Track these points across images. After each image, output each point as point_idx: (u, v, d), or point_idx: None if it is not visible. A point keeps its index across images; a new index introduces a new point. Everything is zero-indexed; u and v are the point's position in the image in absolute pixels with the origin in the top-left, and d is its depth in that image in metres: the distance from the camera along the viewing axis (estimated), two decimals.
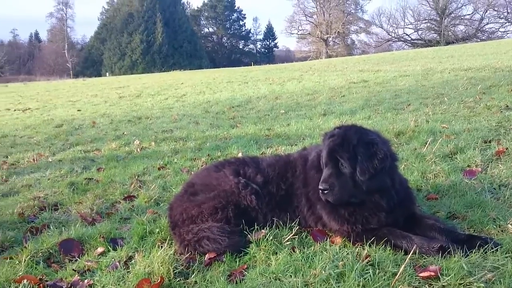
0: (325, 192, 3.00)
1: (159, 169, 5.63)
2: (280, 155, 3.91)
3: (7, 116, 13.98)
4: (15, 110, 15.84)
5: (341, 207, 3.09)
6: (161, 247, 3.22)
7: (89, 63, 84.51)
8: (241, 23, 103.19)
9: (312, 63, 35.40)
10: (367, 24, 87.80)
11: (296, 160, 3.57)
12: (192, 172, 5.25)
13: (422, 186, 4.04)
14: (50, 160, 6.80)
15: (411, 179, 4.11)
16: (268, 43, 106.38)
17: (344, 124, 3.37)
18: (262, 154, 5.90)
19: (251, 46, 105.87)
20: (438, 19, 78.17)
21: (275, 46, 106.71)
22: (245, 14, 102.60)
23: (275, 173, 3.51)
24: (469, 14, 77.91)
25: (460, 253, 2.63)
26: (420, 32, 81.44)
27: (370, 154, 2.94)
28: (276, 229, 3.24)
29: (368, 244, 2.90)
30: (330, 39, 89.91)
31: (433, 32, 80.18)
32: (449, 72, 14.16)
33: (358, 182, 2.96)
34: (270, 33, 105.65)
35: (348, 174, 2.98)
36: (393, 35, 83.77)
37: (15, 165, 6.78)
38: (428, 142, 5.27)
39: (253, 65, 63.97)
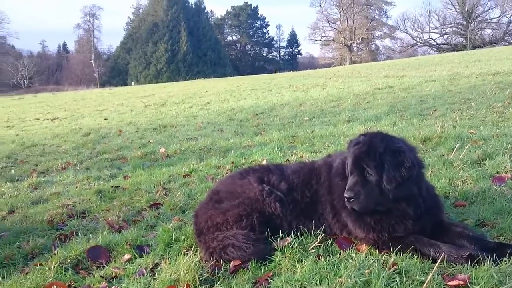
0: (351, 200, 2.97)
1: (184, 176, 5.68)
2: (304, 162, 3.90)
3: (36, 126, 14.33)
4: (44, 120, 16.23)
5: (366, 215, 3.05)
6: (187, 254, 3.24)
7: (115, 72, 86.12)
8: (264, 30, 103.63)
9: (336, 70, 35.22)
10: (392, 29, 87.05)
11: (320, 167, 3.54)
12: (217, 180, 5.28)
13: (449, 193, 3.96)
14: (78, 168, 6.94)
15: (438, 186, 4.04)
16: (291, 50, 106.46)
17: (370, 131, 3.33)
18: (286, 161, 5.89)
19: (275, 53, 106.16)
20: (465, 23, 76.86)
21: (299, 53, 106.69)
22: (268, 22, 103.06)
23: (299, 180, 3.50)
24: (496, 18, 76.38)
25: (490, 262, 2.55)
26: (446, 36, 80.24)
27: (397, 162, 2.89)
28: (301, 236, 3.22)
29: (394, 252, 2.85)
30: (354, 45, 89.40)
31: (459, 36, 78.86)
32: (476, 77, 13.89)
33: (384, 190, 2.92)
34: (293, 40, 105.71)
35: (374, 182, 2.94)
36: (418, 40, 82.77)
37: (45, 173, 6.95)
38: (455, 148, 5.17)
39: (277, 72, 64.05)
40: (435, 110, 8.65)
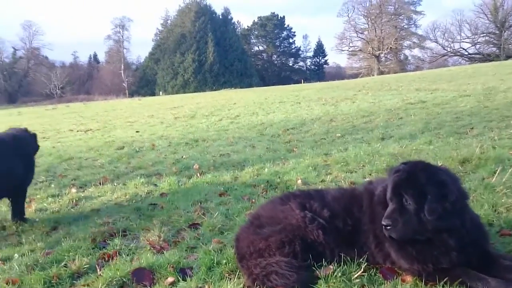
0: (388, 228, 2.97)
1: (220, 195, 5.73)
2: (344, 188, 3.90)
3: (71, 137, 14.67)
4: (77, 131, 16.62)
5: (408, 245, 3.03)
6: (230, 279, 3.29)
7: (144, 82, 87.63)
8: (290, 40, 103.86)
9: (365, 81, 34.93)
10: (421, 39, 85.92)
11: (362, 195, 3.54)
12: (253, 200, 5.32)
13: (493, 221, 3.88)
14: (115, 184, 7.07)
15: (481, 213, 3.97)
16: (318, 60, 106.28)
17: (411, 160, 3.32)
18: (322, 181, 5.89)
19: (301, 63, 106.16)
20: (497, 32, 75.25)
21: (325, 63, 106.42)
22: (294, 32, 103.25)
23: (341, 208, 3.50)
24: None
25: None
26: (478, 46, 78.58)
27: (441, 195, 2.87)
28: (344, 265, 3.21)
29: (441, 284, 2.82)
30: (382, 55, 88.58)
31: (492, 45, 77.19)
32: None
33: (423, 220, 2.90)
34: (320, 50, 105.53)
35: (413, 211, 2.93)
36: (448, 49, 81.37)
37: (83, 188, 7.10)
38: (497, 172, 5.07)
39: (303, 82, 64.02)
40: (472, 128, 8.50)
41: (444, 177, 3.00)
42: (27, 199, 6.44)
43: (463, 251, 2.95)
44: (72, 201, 6.19)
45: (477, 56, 76.67)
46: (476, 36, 78.95)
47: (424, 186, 2.91)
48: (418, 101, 14.11)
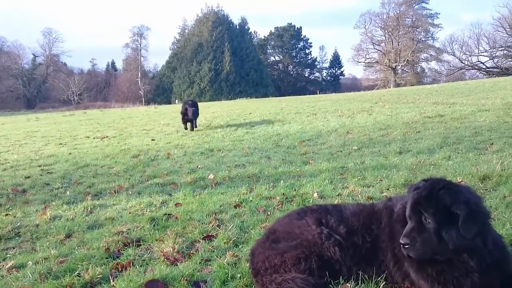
0: (406, 246, 2.90)
1: (235, 207, 5.68)
2: (363, 204, 3.81)
3: (87, 144, 14.78)
4: (94, 138, 16.74)
5: (428, 265, 2.95)
6: None
7: (160, 90, 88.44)
8: (307, 51, 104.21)
9: (381, 93, 34.73)
10: (438, 51, 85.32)
11: (381, 211, 3.47)
12: (268, 213, 5.26)
13: None
14: (130, 193, 7.08)
15: (503, 233, 3.86)
16: (334, 71, 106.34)
17: (432, 177, 3.24)
18: (338, 195, 5.80)
19: (317, 74, 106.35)
20: None
21: (341, 74, 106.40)
22: (311, 43, 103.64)
23: (359, 224, 3.43)
24: None
25: None
26: (496, 60, 77.74)
27: (472, 214, 2.79)
28: (362, 283, 3.14)
29: None
30: (399, 67, 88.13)
31: (510, 59, 76.29)
32: None
33: (443, 239, 2.82)
34: (336, 61, 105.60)
35: (432, 230, 2.85)
36: (466, 63, 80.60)
37: (98, 195, 7.12)
38: None
39: (319, 93, 63.91)
40: (492, 143, 8.33)
41: (468, 196, 2.92)
42: (41, 206, 6.51)
43: (485, 273, 2.85)
44: (87, 209, 6.20)
45: (495, 70, 75.83)
46: (494, 50, 78.11)
47: (450, 205, 2.83)
48: (436, 115, 13.92)
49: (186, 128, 16.86)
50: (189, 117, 16.62)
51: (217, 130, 16.04)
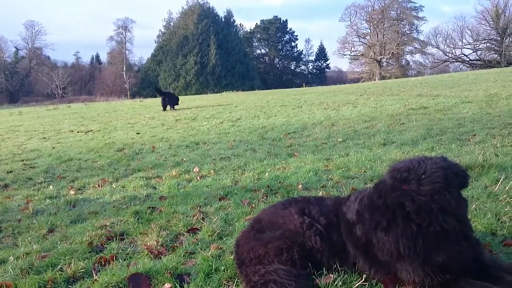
0: None
1: (220, 199, 5.66)
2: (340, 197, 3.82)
3: (71, 138, 14.62)
4: (78, 132, 16.57)
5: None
6: (228, 286, 3.24)
7: (145, 84, 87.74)
8: (293, 44, 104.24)
9: (366, 86, 34.92)
10: (423, 44, 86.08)
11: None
12: (253, 205, 5.26)
13: (497, 230, 3.81)
14: (114, 186, 7.02)
15: (484, 222, 3.92)
16: (320, 64, 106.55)
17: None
18: (322, 187, 5.82)
19: (303, 67, 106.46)
20: (499, 39, 75.37)
21: (327, 67, 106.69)
22: (297, 36, 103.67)
23: (336, 216, 3.43)
24: None
25: None
26: (479, 52, 78.73)
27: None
28: (345, 274, 3.15)
29: None
30: (384, 60, 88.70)
31: (493, 52, 77.33)
32: None
33: None
34: (322, 54, 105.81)
35: None
36: (450, 55, 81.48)
37: (82, 190, 7.05)
38: (500, 180, 5.00)
39: (305, 86, 64.06)
40: (474, 135, 8.44)
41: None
42: (24, 200, 6.42)
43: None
44: (70, 203, 6.13)
45: (478, 62, 76.80)
46: (477, 43, 79.13)
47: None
48: (420, 107, 14.04)
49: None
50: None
51: (202, 123, 15.98)
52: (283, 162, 7.71)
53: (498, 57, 74.57)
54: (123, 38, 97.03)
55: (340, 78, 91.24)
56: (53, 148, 12.16)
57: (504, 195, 4.55)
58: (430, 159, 2.93)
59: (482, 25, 77.88)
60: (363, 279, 3.04)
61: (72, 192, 6.80)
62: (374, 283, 3.07)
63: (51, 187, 7.27)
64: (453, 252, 2.75)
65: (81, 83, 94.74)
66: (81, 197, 6.47)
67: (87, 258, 4.07)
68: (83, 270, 3.77)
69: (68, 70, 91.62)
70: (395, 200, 2.91)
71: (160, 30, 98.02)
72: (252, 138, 11.23)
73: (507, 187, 4.75)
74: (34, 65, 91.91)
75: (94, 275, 3.65)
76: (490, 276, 2.81)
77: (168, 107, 24.53)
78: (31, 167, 9.32)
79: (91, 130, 16.72)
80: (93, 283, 3.49)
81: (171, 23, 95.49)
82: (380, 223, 2.94)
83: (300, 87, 65.14)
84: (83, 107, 39.68)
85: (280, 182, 6.23)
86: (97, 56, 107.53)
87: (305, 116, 15.14)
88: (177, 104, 25.41)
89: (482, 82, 23.85)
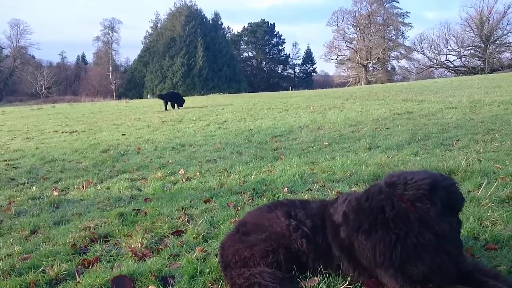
0: None
1: (205, 202, 5.64)
2: (325, 200, 3.85)
3: (55, 138, 14.46)
4: (62, 132, 16.39)
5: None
6: None
7: (132, 85, 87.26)
8: (280, 47, 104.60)
9: (352, 90, 35.18)
10: (408, 50, 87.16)
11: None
12: (239, 208, 5.25)
13: (479, 235, 3.86)
14: (99, 188, 6.95)
15: (467, 226, 3.96)
16: (306, 68, 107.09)
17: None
18: (308, 190, 5.84)
19: (290, 70, 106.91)
20: (483, 46, 76.61)
21: (314, 71, 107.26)
22: (284, 39, 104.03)
23: (321, 219, 3.45)
24: None
25: None
26: (463, 59, 79.96)
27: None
28: (329, 277, 3.16)
29: None
30: (370, 65, 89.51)
31: (477, 59, 78.63)
32: (498, 105, 13.75)
33: None
34: (309, 58, 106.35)
35: None
36: (435, 61, 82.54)
37: (65, 191, 6.97)
38: (482, 185, 5.08)
39: (292, 89, 64.28)
40: (458, 140, 8.55)
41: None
42: (6, 201, 6.33)
43: None
44: (54, 204, 6.06)
45: (463, 69, 77.98)
46: (462, 49, 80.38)
47: None
48: (405, 112, 14.20)
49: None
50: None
51: (189, 125, 15.93)
52: (269, 165, 7.72)
53: (482, 64, 75.81)
54: (110, 39, 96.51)
55: (326, 82, 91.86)
56: (37, 148, 12.01)
57: (487, 200, 4.61)
58: (430, 172, 2.96)
59: (466, 32, 79.22)
60: (348, 282, 3.05)
61: (55, 193, 6.72)
62: (358, 286, 3.08)
63: (34, 187, 7.18)
64: (433, 264, 2.75)
65: (66, 83, 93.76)
66: (64, 198, 6.40)
67: (70, 260, 4.02)
68: (66, 272, 3.72)
69: (53, 70, 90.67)
70: (379, 203, 2.94)
71: (147, 31, 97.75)
72: (238, 140, 11.23)
73: (489, 192, 4.82)
74: (18, 64, 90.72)
75: (77, 277, 3.61)
76: (473, 280, 2.82)
77: (170, 106, 25.59)
78: (14, 167, 9.19)
79: (75, 131, 16.55)
80: (76, 285, 3.44)
81: (158, 24, 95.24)
82: (363, 225, 2.96)
83: (287, 90, 65.36)
84: (68, 107, 39.28)
85: (265, 185, 6.24)
86: (83, 56, 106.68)
87: (291, 120, 15.19)
88: (180, 101, 26.29)
89: (466, 88, 24.20)
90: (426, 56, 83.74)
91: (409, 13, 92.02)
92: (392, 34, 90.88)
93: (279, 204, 3.69)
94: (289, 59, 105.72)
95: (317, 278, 3.15)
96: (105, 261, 3.94)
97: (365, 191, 3.20)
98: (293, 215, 3.49)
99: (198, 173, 7.47)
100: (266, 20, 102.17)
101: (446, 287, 2.78)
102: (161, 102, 26.05)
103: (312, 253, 3.26)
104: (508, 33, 75.96)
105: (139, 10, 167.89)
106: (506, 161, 6.40)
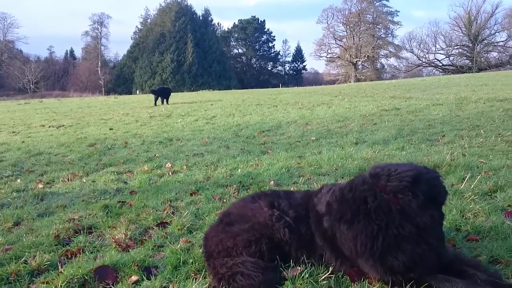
0: None
1: (191, 194, 5.64)
2: (310, 191, 3.86)
3: (42, 133, 14.33)
4: (49, 127, 16.23)
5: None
6: (195, 279, 3.22)
7: (121, 80, 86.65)
8: (270, 45, 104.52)
9: (341, 87, 35.31)
10: (397, 48, 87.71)
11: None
12: (224, 200, 5.26)
13: (461, 226, 3.91)
14: (84, 181, 6.91)
15: (449, 218, 4.01)
16: (296, 65, 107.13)
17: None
18: (294, 183, 5.86)
19: (280, 67, 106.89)
20: (471, 45, 77.40)
21: (304, 68, 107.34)
22: (274, 36, 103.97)
23: (305, 209, 3.46)
24: (502, 41, 76.96)
25: None
26: (451, 58, 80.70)
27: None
28: (312, 266, 3.18)
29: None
30: (359, 62, 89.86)
31: (465, 58, 79.40)
32: (484, 103, 13.90)
33: None
34: (298, 55, 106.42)
35: None
36: (423, 60, 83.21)
37: (50, 184, 6.91)
38: (466, 178, 5.14)
39: (281, 86, 64.30)
40: (443, 135, 8.63)
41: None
42: None
43: None
44: (38, 197, 6.00)
45: (451, 67, 78.69)
46: (450, 48, 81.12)
47: None
48: (392, 108, 14.29)
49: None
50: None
51: (177, 120, 15.88)
52: (256, 159, 7.73)
53: (470, 63, 76.58)
54: (99, 34, 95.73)
55: (316, 80, 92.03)
56: (23, 142, 11.89)
57: (469, 193, 4.66)
58: (414, 165, 2.98)
59: (455, 31, 79.95)
60: (330, 272, 3.07)
61: (40, 185, 6.66)
62: (340, 276, 3.10)
63: (18, 180, 7.11)
64: (414, 255, 2.77)
65: (54, 78, 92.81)
66: (49, 190, 6.35)
67: (53, 251, 3.99)
68: (48, 262, 3.70)
69: (41, 65, 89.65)
70: (362, 194, 2.96)
71: (136, 26, 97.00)
72: (226, 135, 11.22)
73: (472, 185, 4.88)
74: (5, 59, 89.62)
75: (59, 267, 3.59)
76: (454, 270, 2.86)
77: (159, 102, 26.00)
78: None
79: (62, 125, 16.41)
80: (58, 275, 3.42)
81: (148, 20, 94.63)
82: (345, 215, 2.98)
83: (276, 87, 65.42)
84: (55, 102, 38.91)
85: (252, 178, 6.25)
86: (72, 51, 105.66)
87: (280, 115, 15.22)
88: (168, 96, 26.74)
89: (453, 86, 24.42)
90: (415, 55, 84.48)
91: (399, 11, 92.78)
92: (381, 33, 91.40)
93: (263, 195, 3.70)
94: (279, 56, 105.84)
95: (299, 268, 3.16)
96: (88, 252, 3.93)
97: (349, 181, 3.22)
98: (276, 205, 3.50)
99: (185, 167, 7.46)
100: (256, 17, 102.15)
101: (427, 277, 2.81)
102: (151, 97, 25.98)
103: (295, 243, 3.27)
104: (495, 32, 76.97)
105: (129, 5, 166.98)
106: (490, 156, 6.48)
